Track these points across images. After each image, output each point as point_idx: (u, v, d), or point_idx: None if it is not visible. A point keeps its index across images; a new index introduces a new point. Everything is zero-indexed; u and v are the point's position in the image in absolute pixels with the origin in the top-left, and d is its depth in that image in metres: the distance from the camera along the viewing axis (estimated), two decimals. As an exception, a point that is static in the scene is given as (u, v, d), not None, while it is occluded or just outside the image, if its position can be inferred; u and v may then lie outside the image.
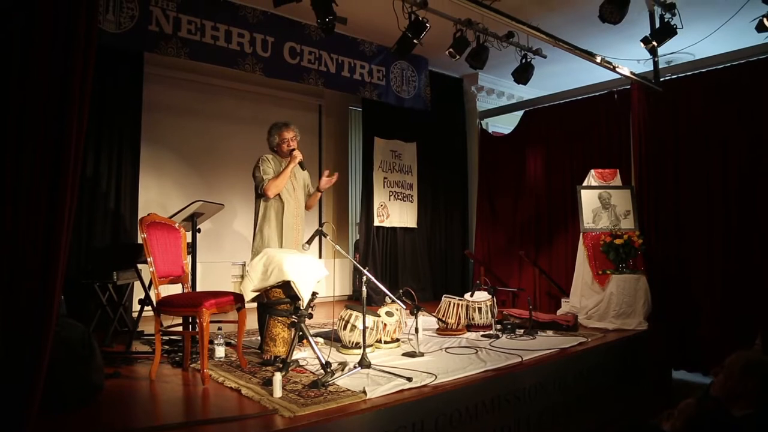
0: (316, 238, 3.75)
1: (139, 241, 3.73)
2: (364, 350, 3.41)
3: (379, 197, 7.19)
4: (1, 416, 1.99)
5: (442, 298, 4.95)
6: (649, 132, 5.73)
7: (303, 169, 4.22)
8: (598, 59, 5.08)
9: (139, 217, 4.22)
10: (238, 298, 3.55)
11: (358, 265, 3.88)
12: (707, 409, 2.17)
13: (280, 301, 3.61)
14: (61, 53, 2.13)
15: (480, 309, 4.84)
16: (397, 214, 7.37)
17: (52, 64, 2.11)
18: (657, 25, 5.08)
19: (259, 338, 4.11)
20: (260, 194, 4.08)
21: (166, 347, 4.06)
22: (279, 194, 4.06)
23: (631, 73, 5.42)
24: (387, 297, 4.00)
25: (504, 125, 8.11)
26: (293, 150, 4.11)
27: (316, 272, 3.59)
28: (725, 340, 4.88)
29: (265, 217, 4.08)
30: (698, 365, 5.17)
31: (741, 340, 4.47)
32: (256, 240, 4.08)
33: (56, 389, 2.54)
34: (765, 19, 4.66)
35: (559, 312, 5.64)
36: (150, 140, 5.84)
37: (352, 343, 3.95)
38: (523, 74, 5.79)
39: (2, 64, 2.02)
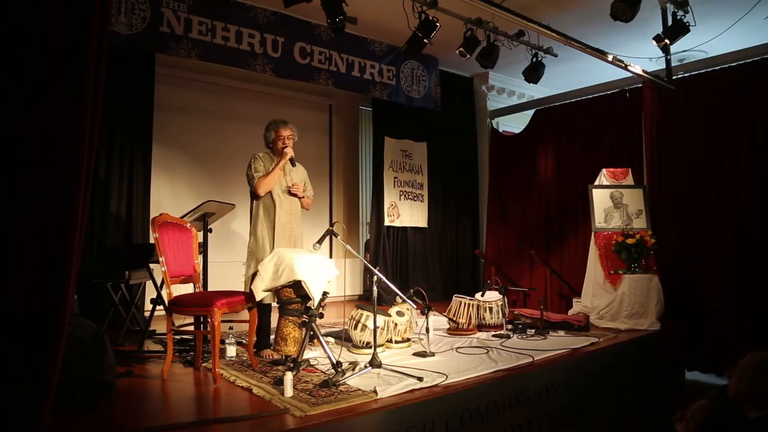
0: (327, 238, 3.75)
1: (151, 240, 3.76)
2: (374, 350, 3.42)
3: (390, 197, 7.19)
4: (14, 415, 2.01)
5: (453, 297, 4.94)
6: (661, 131, 5.68)
7: (293, 166, 4.17)
8: (610, 58, 5.05)
9: (150, 217, 4.24)
10: (249, 298, 3.57)
11: (369, 265, 3.87)
12: (721, 411, 2.15)
13: (291, 301, 3.62)
14: (74, 55, 2.14)
15: (491, 309, 4.83)
16: (407, 213, 7.37)
17: (66, 66, 2.12)
18: (669, 23, 5.03)
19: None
20: (252, 192, 4.07)
21: (178, 346, 4.09)
22: (270, 193, 4.03)
23: (643, 71, 5.38)
24: (398, 297, 4.00)
25: (515, 124, 8.08)
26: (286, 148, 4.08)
27: (326, 272, 3.60)
28: (739, 340, 4.84)
29: (258, 216, 4.05)
30: (712, 366, 5.11)
31: (755, 341, 4.42)
32: (251, 240, 4.06)
33: (69, 388, 2.55)
34: (779, 16, 4.62)
35: (570, 312, 5.61)
36: (161, 140, 5.87)
37: (363, 343, 3.95)
38: (533, 73, 5.77)
39: (16, 66, 2.04)
